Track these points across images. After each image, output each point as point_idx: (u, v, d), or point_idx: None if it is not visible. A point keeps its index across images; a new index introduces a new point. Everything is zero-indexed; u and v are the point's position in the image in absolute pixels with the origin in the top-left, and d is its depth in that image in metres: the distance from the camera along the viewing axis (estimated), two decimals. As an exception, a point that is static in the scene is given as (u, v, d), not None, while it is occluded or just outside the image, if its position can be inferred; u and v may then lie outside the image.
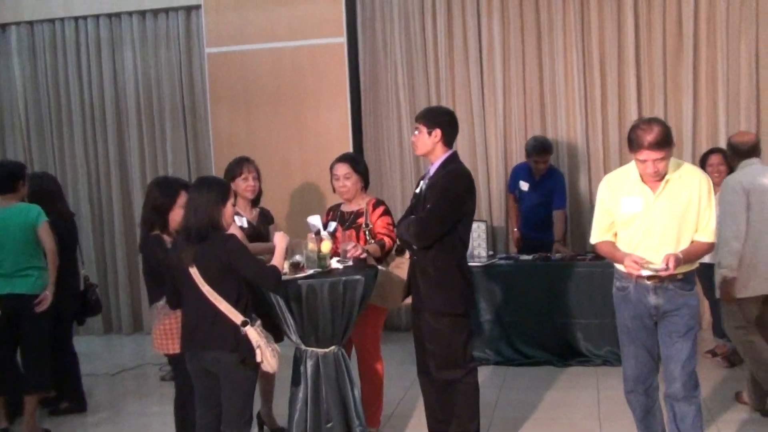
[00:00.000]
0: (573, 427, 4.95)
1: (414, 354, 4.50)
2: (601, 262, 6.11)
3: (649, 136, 3.58)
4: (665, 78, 6.98)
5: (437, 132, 4.18)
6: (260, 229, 4.98)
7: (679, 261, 3.62)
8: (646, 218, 3.75)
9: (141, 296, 8.16)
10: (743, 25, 6.80)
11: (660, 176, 3.69)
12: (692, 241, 3.77)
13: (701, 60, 6.91)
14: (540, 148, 6.59)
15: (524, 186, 6.75)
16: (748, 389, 4.98)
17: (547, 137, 6.89)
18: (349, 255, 4.54)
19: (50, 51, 8.26)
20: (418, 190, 4.33)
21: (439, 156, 4.22)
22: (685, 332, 3.77)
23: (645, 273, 3.65)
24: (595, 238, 3.97)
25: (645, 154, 3.61)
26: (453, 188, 4.13)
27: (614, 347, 6.02)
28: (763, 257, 4.74)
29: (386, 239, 4.68)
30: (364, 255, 4.54)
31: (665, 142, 3.60)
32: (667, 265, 3.58)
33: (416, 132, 4.25)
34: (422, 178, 4.37)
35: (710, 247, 3.83)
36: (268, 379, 4.85)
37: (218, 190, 3.84)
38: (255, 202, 5.07)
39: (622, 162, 7.04)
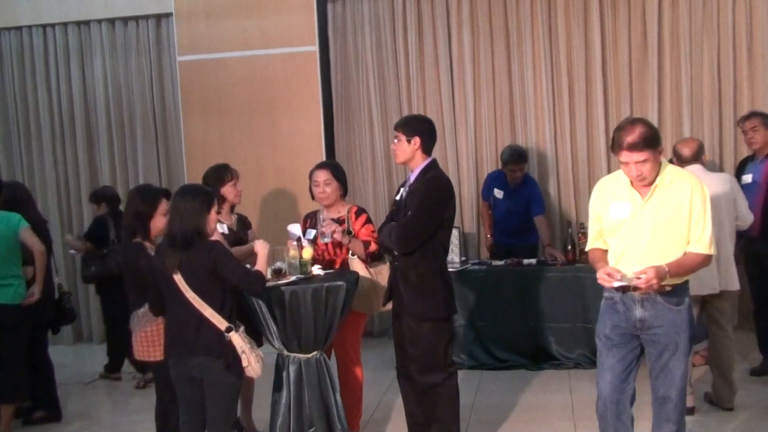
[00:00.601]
0: (549, 429, 5.06)
1: (390, 359, 4.58)
2: (572, 266, 6.26)
3: (630, 137, 3.41)
4: (631, 87, 7.16)
5: (416, 140, 4.27)
6: (240, 235, 5.02)
7: (662, 273, 3.39)
8: (633, 226, 3.56)
9: (111, 305, 8.12)
10: (705, 35, 7.00)
11: (646, 181, 3.51)
12: (685, 253, 3.54)
13: (665, 69, 7.10)
14: (516, 157, 6.71)
15: (499, 194, 6.85)
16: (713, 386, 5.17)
17: (521, 146, 7.01)
18: (325, 228, 4.65)
19: (17, 59, 8.18)
20: (398, 197, 4.41)
21: (419, 163, 4.30)
22: (674, 350, 3.57)
23: (616, 285, 3.47)
24: (588, 245, 3.86)
25: (625, 156, 3.45)
26: (433, 195, 4.21)
27: (586, 350, 6.17)
28: None
29: (372, 244, 4.74)
30: (339, 231, 4.64)
31: (647, 143, 3.41)
32: (640, 276, 3.37)
33: (396, 140, 4.33)
34: (402, 185, 4.45)
35: (706, 260, 3.58)
36: (248, 384, 4.88)
37: (203, 197, 3.88)
38: (232, 208, 5.13)
39: (590, 169, 7.23)
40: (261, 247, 4.16)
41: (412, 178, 4.31)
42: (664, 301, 3.56)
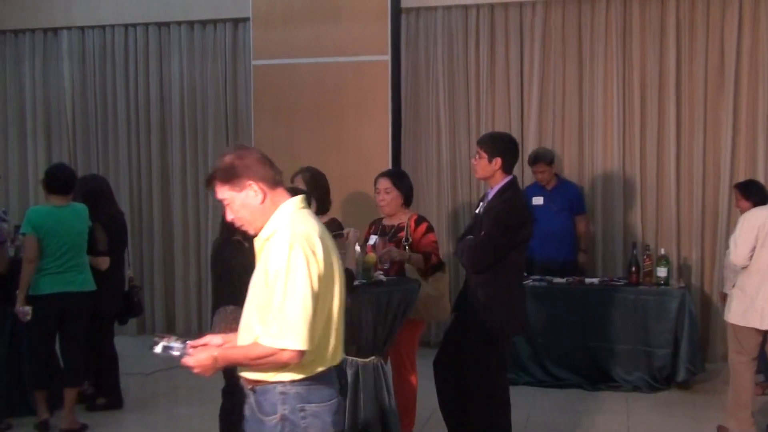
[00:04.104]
0: (603, 451, 5.01)
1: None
2: (635, 288, 6.21)
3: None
4: (705, 110, 7.02)
5: (498, 161, 4.29)
6: None
7: (208, 360, 2.54)
8: None
9: (175, 299, 8.34)
10: (786, 59, 6.86)
11: (249, 229, 2.73)
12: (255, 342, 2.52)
13: (742, 94, 6.95)
14: (531, 158, 6.91)
15: (538, 200, 6.83)
16: None
17: (544, 148, 7.06)
18: (379, 253, 4.72)
19: (99, 56, 8.46)
20: (477, 211, 4.48)
21: (498, 182, 4.33)
22: None
23: (157, 350, 2.65)
24: None
25: None
26: (506, 218, 4.24)
27: (645, 374, 6.10)
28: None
29: (433, 256, 4.78)
30: (395, 251, 4.71)
31: (218, 178, 2.66)
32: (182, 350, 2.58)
33: (477, 156, 4.36)
34: (482, 200, 4.52)
35: (282, 357, 2.46)
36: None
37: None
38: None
39: (659, 193, 7.14)
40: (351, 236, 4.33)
41: (491, 195, 4.35)
42: (253, 401, 2.64)
